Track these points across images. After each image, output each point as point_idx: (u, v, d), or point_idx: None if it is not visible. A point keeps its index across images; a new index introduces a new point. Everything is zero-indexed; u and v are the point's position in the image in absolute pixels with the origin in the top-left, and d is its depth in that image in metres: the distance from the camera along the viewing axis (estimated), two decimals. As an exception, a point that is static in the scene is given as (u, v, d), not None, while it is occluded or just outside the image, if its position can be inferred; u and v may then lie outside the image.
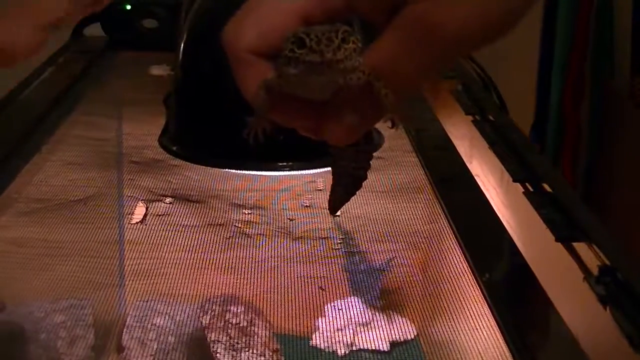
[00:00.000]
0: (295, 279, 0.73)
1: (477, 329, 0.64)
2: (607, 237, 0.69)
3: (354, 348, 0.65)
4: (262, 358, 0.62)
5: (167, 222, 0.81)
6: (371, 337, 0.66)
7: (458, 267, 0.72)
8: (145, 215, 0.83)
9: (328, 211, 0.42)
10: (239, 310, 0.65)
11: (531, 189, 0.82)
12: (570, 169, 1.57)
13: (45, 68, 1.19)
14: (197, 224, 0.81)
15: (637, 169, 1.41)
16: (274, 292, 0.71)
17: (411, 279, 0.73)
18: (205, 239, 0.77)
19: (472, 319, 0.65)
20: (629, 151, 1.45)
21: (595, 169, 1.56)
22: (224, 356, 0.61)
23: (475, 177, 0.90)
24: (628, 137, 1.46)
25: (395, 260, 0.76)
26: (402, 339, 0.66)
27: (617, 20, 1.49)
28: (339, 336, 0.66)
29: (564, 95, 1.56)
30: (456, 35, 0.33)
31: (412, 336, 0.67)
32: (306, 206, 0.85)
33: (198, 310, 0.65)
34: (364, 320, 0.67)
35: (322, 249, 0.78)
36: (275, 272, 0.74)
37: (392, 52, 0.34)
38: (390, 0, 0.34)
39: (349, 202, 0.86)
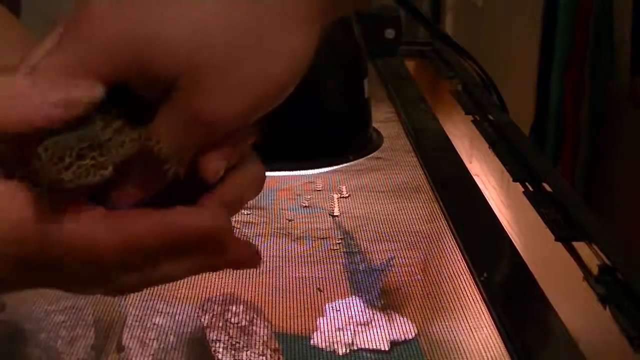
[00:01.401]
0: (295, 279, 0.73)
1: (476, 328, 0.64)
2: (607, 236, 0.69)
3: (354, 347, 0.65)
4: (262, 357, 0.62)
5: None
6: (371, 336, 0.66)
7: (458, 266, 0.72)
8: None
9: None
10: (239, 310, 0.65)
11: (531, 189, 0.82)
12: (569, 170, 1.57)
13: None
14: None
15: (636, 169, 1.40)
16: (273, 292, 0.71)
17: (411, 278, 0.73)
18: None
19: (472, 319, 0.65)
20: (628, 151, 1.45)
21: (595, 169, 1.56)
22: (224, 355, 0.61)
23: (475, 177, 0.91)
24: (628, 137, 1.46)
25: (395, 260, 0.76)
26: (401, 339, 0.66)
27: (616, 20, 1.49)
28: (338, 336, 0.66)
29: (563, 96, 1.56)
30: (222, 123, 0.37)
31: (412, 336, 0.67)
32: (305, 206, 0.85)
33: (198, 310, 0.65)
34: (363, 319, 0.67)
35: (321, 249, 0.78)
36: (275, 272, 0.74)
37: (167, 132, 0.36)
38: (162, 82, 0.36)
39: (349, 202, 0.86)
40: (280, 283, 0.72)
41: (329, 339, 0.66)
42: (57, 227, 0.35)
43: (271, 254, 0.77)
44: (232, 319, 0.64)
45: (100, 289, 0.40)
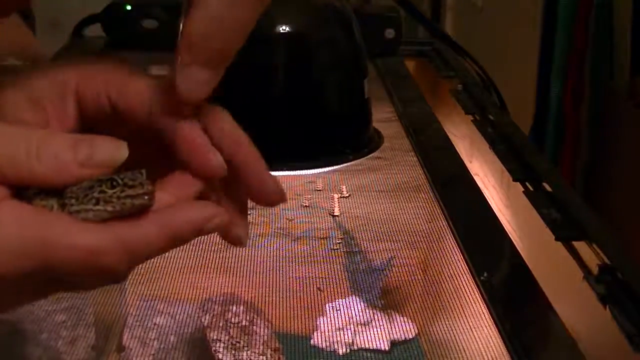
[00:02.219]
0: (296, 278, 0.73)
1: (477, 328, 0.64)
2: (607, 236, 0.69)
3: (354, 347, 0.65)
4: (263, 357, 0.62)
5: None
6: (371, 336, 0.66)
7: (458, 266, 0.72)
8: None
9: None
10: (239, 310, 0.65)
11: (531, 189, 0.82)
12: (569, 169, 1.57)
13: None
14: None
15: (636, 169, 1.41)
16: (274, 292, 0.71)
17: (411, 278, 0.73)
18: (205, 241, 0.77)
19: (472, 318, 0.65)
20: (628, 151, 1.45)
21: (595, 169, 1.56)
22: (225, 355, 0.61)
23: (475, 177, 0.91)
24: (628, 137, 1.46)
25: (395, 259, 0.76)
26: (402, 338, 0.66)
27: (616, 20, 1.49)
28: (339, 335, 0.66)
29: (563, 96, 1.56)
30: (243, 20, 0.37)
31: (412, 335, 0.67)
32: (305, 206, 0.85)
33: (199, 310, 0.66)
34: (364, 319, 0.67)
35: (322, 249, 0.78)
36: (276, 272, 0.74)
37: (201, 30, 0.37)
38: None
39: (349, 202, 0.86)
40: (281, 283, 0.72)
41: (329, 338, 0.66)
42: (60, 237, 0.35)
43: (271, 253, 0.77)
44: (233, 319, 0.64)
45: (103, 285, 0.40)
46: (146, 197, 0.36)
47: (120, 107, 0.39)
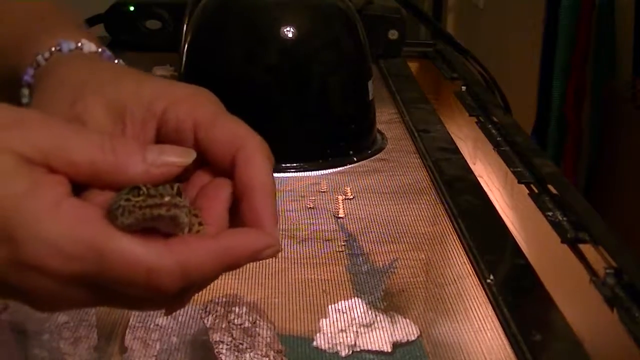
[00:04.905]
0: (299, 280, 0.73)
1: (480, 330, 0.64)
2: (613, 238, 0.69)
3: (357, 349, 0.65)
4: (266, 359, 0.62)
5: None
6: (374, 338, 0.66)
7: (461, 268, 0.72)
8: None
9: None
10: (242, 311, 0.65)
11: (536, 191, 0.82)
12: (571, 171, 1.57)
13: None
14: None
15: (638, 170, 1.40)
16: (276, 293, 0.71)
17: (414, 280, 0.73)
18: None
19: (476, 321, 0.65)
20: (630, 153, 1.45)
21: (597, 171, 1.56)
22: (228, 357, 0.61)
23: (479, 179, 0.90)
24: (630, 138, 1.46)
25: (399, 261, 0.76)
26: (404, 340, 0.66)
27: (618, 21, 1.49)
28: (341, 337, 0.66)
29: (565, 97, 1.56)
30: None
31: (415, 337, 0.67)
32: (310, 208, 0.85)
33: (201, 311, 0.65)
34: (366, 321, 0.67)
35: (325, 250, 0.78)
36: (278, 273, 0.74)
37: None
38: None
39: (353, 204, 0.86)
40: (284, 284, 0.72)
41: (331, 340, 0.65)
42: (117, 246, 0.36)
43: (275, 255, 0.77)
44: (235, 321, 0.64)
45: (152, 308, 0.41)
46: (164, 209, 0.36)
47: (203, 147, 0.41)
